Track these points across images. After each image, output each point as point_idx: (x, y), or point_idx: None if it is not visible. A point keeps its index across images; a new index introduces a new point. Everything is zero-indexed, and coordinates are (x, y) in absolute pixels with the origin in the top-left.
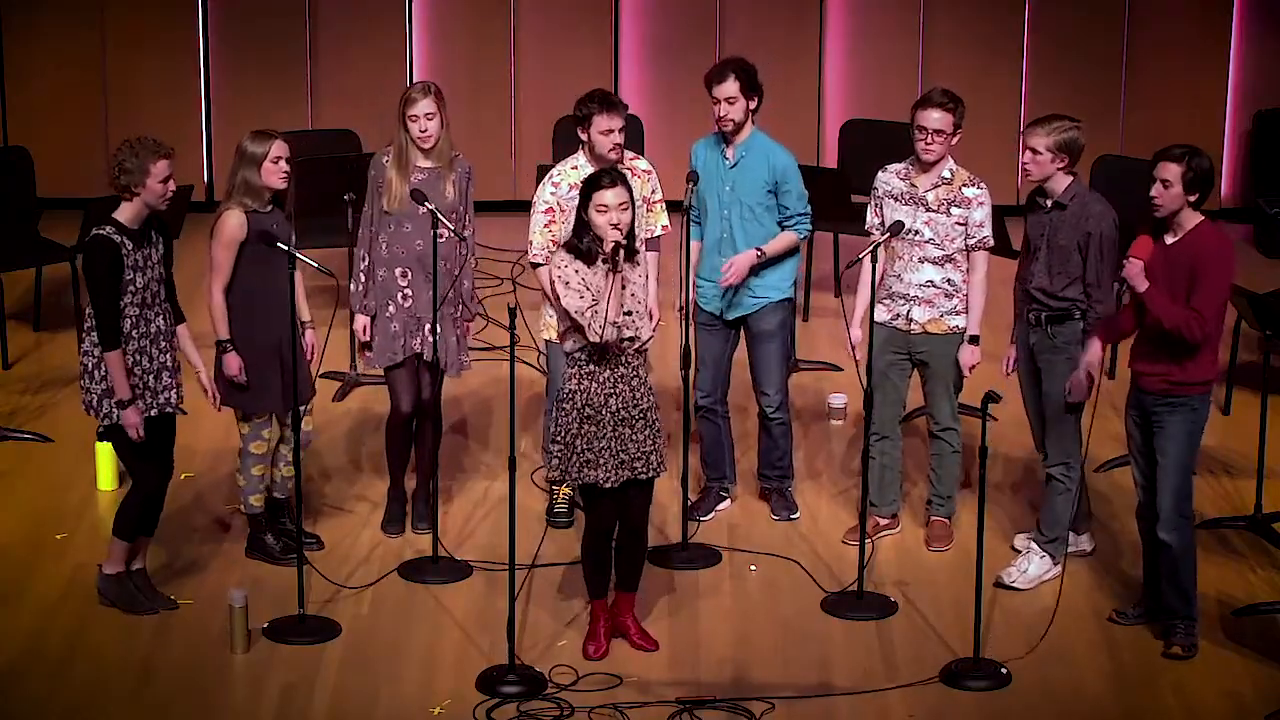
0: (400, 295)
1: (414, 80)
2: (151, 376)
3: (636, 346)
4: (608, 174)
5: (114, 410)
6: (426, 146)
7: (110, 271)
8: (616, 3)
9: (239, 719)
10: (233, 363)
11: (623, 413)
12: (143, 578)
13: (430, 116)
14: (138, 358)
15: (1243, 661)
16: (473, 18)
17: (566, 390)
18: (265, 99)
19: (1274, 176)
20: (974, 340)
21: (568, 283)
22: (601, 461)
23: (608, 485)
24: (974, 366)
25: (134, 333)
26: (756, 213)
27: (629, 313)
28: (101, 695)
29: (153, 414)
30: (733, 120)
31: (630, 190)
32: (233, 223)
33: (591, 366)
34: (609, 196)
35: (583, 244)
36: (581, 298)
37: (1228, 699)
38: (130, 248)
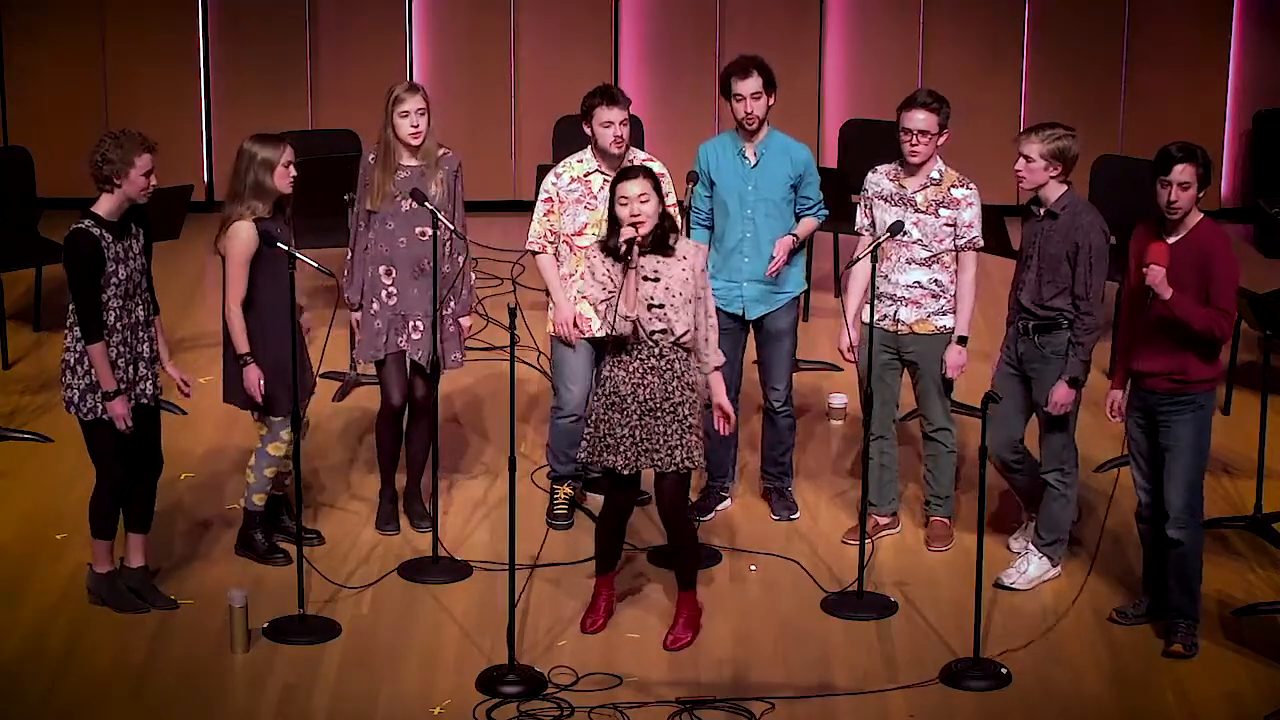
0: (384, 293)
1: (413, 80)
2: (131, 367)
3: (673, 341)
4: (632, 168)
5: (98, 405)
6: (416, 144)
7: (90, 265)
8: (616, 3)
9: (239, 719)
10: (252, 375)
11: (650, 403)
12: (142, 576)
13: (421, 113)
14: (121, 349)
15: (1243, 661)
16: (472, 17)
17: (601, 375)
18: (265, 99)
19: (1274, 176)
20: (962, 341)
21: (593, 273)
22: (621, 449)
23: (624, 472)
24: (961, 367)
25: (118, 324)
26: (781, 208)
27: (659, 305)
28: (101, 695)
29: (131, 405)
30: (758, 117)
31: (656, 182)
32: (244, 237)
33: (622, 355)
34: (629, 188)
35: (610, 241)
36: (604, 289)
37: (1228, 699)
38: (110, 240)
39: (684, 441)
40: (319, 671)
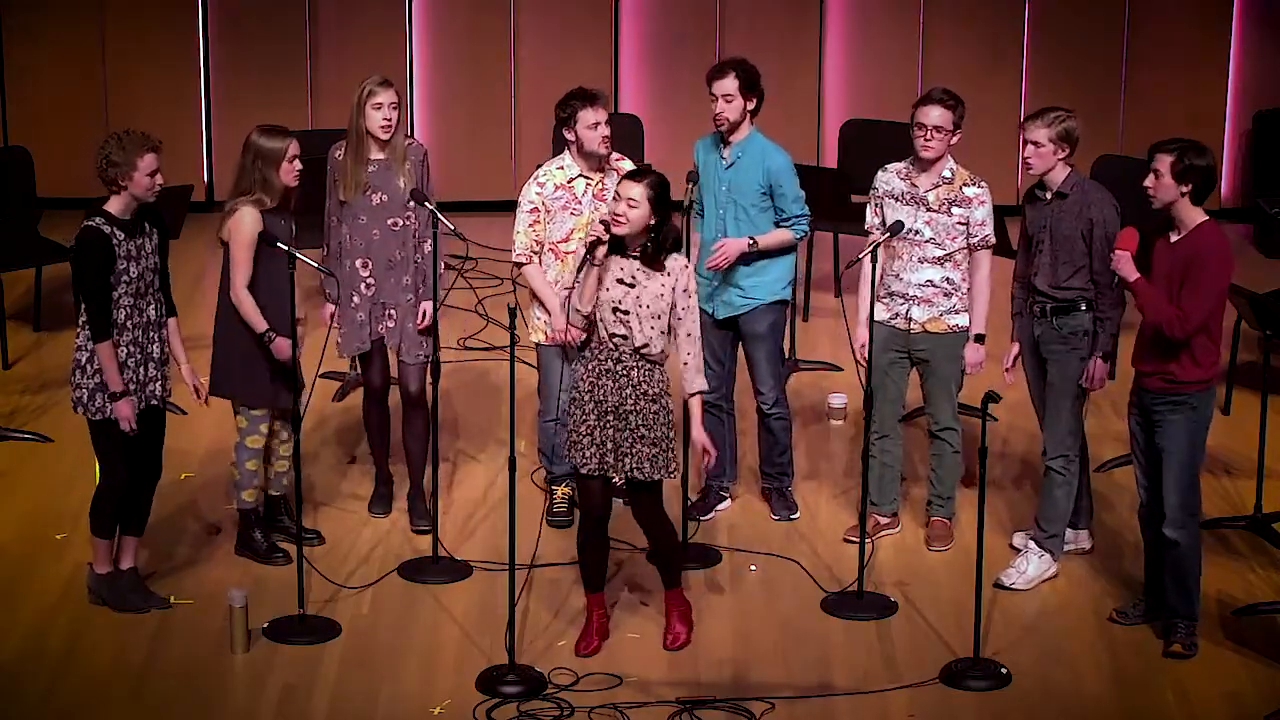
0: (363, 285)
1: (413, 81)
2: (141, 368)
3: (632, 349)
4: (648, 172)
5: (106, 405)
6: (385, 137)
7: (100, 263)
8: (616, 3)
9: (239, 719)
10: (285, 348)
11: (604, 405)
12: (134, 578)
13: (394, 107)
14: (131, 349)
15: (1243, 661)
16: (472, 17)
17: (578, 372)
18: (265, 99)
19: (1274, 176)
20: (980, 339)
21: (578, 264)
22: (583, 445)
23: (584, 471)
24: (980, 364)
25: (128, 323)
26: (751, 214)
27: (625, 311)
28: (101, 695)
29: (140, 406)
30: (727, 119)
31: (658, 195)
32: (249, 221)
33: (585, 353)
34: (627, 187)
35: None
36: (574, 280)
37: (1228, 699)
38: (122, 238)
39: (634, 451)
40: (319, 671)
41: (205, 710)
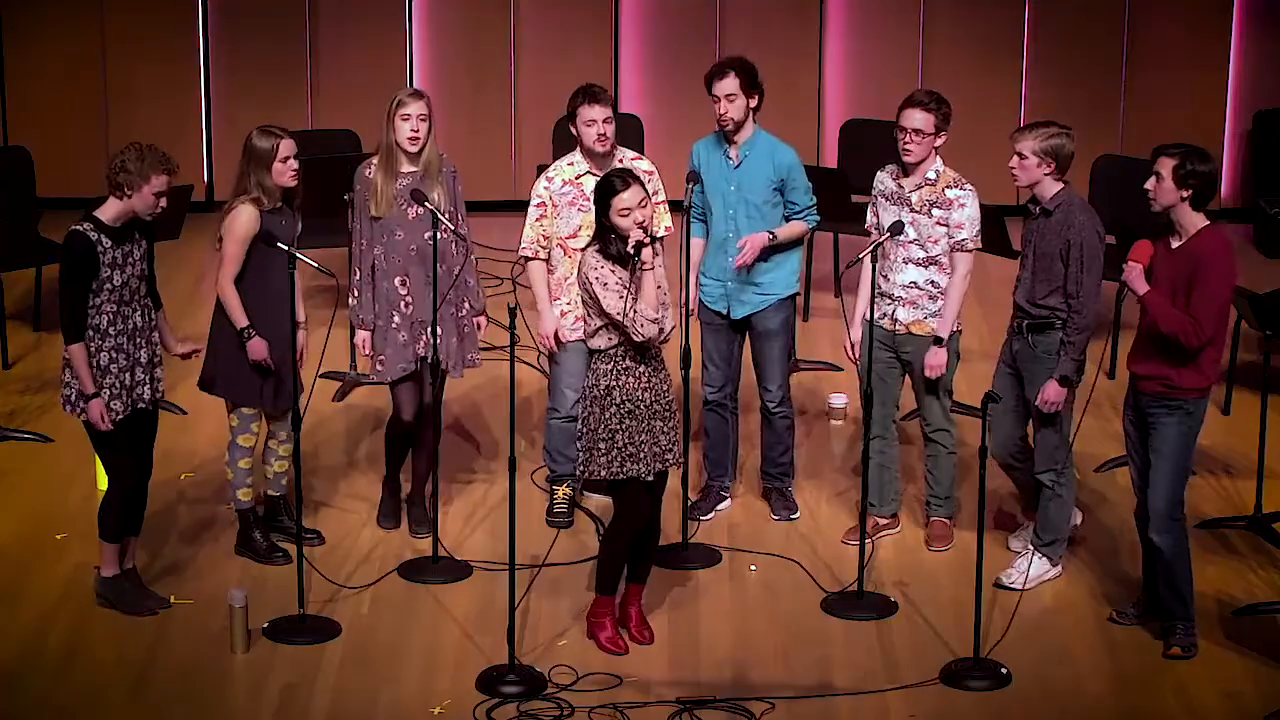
0: (402, 304)
1: (413, 81)
2: (128, 373)
3: (663, 339)
4: (619, 176)
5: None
6: (414, 150)
7: (81, 268)
8: (616, 3)
9: (239, 719)
10: (259, 348)
11: (656, 405)
12: (134, 577)
13: (422, 119)
14: (115, 355)
15: (1243, 661)
16: (472, 17)
17: (603, 387)
18: (265, 99)
19: (1274, 176)
20: (938, 342)
21: (606, 284)
22: (642, 455)
23: (649, 478)
24: (937, 369)
25: (111, 329)
26: (763, 210)
27: (665, 305)
28: (101, 695)
29: (128, 410)
30: (732, 118)
31: (642, 184)
32: (245, 217)
33: (629, 363)
34: (627, 198)
35: (611, 247)
36: (621, 298)
37: (1228, 699)
38: (109, 245)
39: (678, 436)
40: (319, 671)
41: (205, 710)
